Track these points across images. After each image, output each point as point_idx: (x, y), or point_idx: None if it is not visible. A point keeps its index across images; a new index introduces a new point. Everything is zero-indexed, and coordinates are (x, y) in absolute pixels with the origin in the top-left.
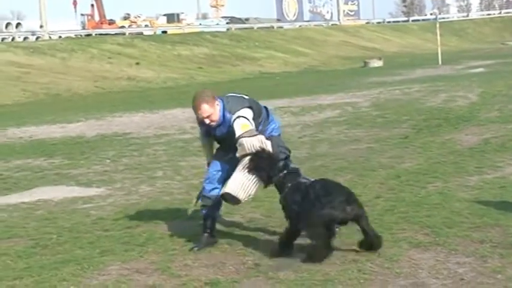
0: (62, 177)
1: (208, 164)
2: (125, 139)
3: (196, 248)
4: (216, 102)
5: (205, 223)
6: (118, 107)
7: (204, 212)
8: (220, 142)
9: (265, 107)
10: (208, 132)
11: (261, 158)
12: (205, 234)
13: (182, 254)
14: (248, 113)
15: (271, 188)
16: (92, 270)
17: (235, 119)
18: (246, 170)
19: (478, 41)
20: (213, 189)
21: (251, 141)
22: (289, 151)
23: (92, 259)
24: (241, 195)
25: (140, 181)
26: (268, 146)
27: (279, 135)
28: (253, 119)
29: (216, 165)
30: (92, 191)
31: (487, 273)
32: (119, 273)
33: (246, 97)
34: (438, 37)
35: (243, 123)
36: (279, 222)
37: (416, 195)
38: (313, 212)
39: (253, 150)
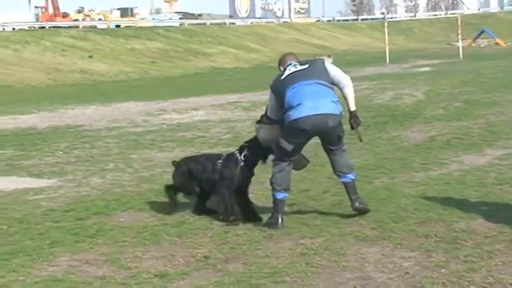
0: (14, 168)
1: None
2: (77, 131)
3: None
4: (281, 68)
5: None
6: (70, 100)
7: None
8: None
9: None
10: None
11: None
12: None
13: (132, 246)
14: (269, 94)
15: None
16: (41, 262)
17: None
18: None
19: (425, 40)
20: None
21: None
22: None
23: (41, 250)
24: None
25: (91, 173)
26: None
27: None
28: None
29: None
30: (43, 182)
31: (431, 267)
32: (68, 264)
33: (286, 73)
34: (386, 36)
35: None
36: None
37: (363, 190)
38: None
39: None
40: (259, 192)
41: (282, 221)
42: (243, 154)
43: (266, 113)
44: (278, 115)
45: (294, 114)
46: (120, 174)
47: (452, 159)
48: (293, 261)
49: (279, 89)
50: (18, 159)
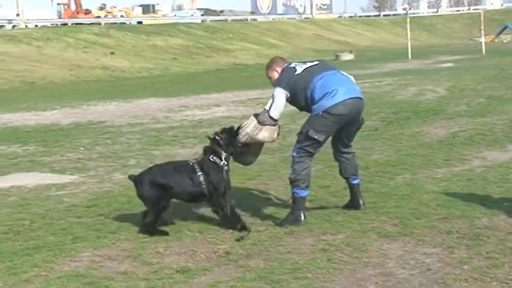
0: (36, 164)
1: None
2: (99, 127)
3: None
4: (277, 70)
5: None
6: (93, 96)
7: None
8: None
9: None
10: None
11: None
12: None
13: (154, 242)
14: (276, 92)
15: (245, 179)
16: (63, 257)
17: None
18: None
19: (447, 36)
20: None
21: (250, 123)
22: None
23: (64, 246)
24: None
25: (113, 169)
26: (256, 135)
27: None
28: (290, 94)
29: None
30: (66, 178)
31: (453, 263)
32: (90, 259)
33: (299, 69)
34: (408, 32)
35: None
36: (251, 212)
37: (385, 186)
38: None
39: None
40: (281, 189)
41: (305, 217)
42: (223, 157)
43: (269, 112)
44: (280, 115)
45: (331, 101)
46: (141, 170)
47: (475, 155)
48: (314, 258)
49: (297, 84)
50: (41, 155)
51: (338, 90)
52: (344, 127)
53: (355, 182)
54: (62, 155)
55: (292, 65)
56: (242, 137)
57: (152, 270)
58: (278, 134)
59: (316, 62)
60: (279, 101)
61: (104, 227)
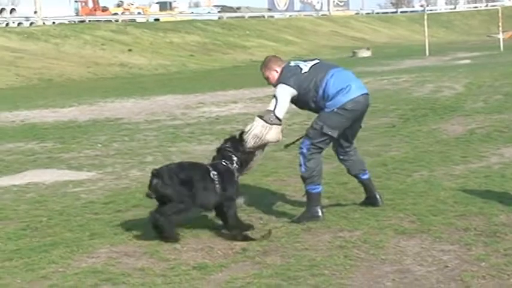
0: (53, 161)
1: None
2: (116, 124)
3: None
4: (276, 69)
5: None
6: (110, 93)
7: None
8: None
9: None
10: None
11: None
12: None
13: None
14: (281, 91)
15: (262, 175)
16: (81, 253)
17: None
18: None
19: (465, 33)
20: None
21: (257, 124)
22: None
23: (81, 242)
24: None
25: (131, 166)
26: (265, 135)
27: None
28: (298, 92)
29: None
30: (83, 175)
31: (471, 260)
32: (107, 256)
33: (304, 68)
34: (426, 28)
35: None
36: (266, 209)
37: (402, 183)
38: None
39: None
40: (298, 186)
41: (322, 212)
42: (235, 162)
43: (274, 112)
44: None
45: (346, 97)
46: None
47: (493, 152)
48: (331, 254)
49: (306, 83)
50: (58, 152)
51: (352, 86)
52: (353, 123)
53: (365, 177)
54: (79, 151)
55: (293, 63)
56: (251, 140)
57: (169, 266)
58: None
59: (317, 61)
60: (284, 100)
61: (121, 223)
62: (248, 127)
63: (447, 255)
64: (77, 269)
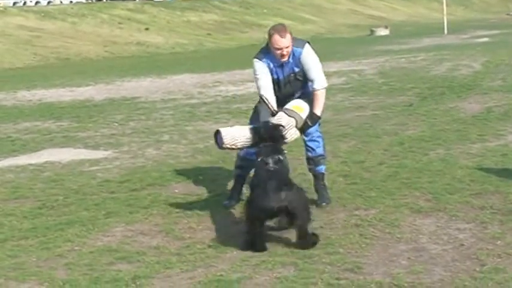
0: (70, 140)
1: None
2: (132, 103)
3: (227, 204)
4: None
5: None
6: (127, 72)
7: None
8: (280, 89)
9: None
10: (270, 74)
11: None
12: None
13: (186, 217)
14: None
15: None
16: (96, 232)
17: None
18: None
19: (484, 11)
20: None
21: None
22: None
23: (97, 221)
24: (227, 140)
25: (147, 145)
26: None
27: None
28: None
29: None
30: (99, 154)
31: (486, 239)
32: (123, 234)
33: None
34: (444, 7)
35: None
36: None
37: (418, 161)
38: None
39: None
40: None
41: None
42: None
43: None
44: None
45: None
46: (175, 145)
47: (510, 130)
48: (347, 233)
49: None
50: (75, 131)
51: None
52: None
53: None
54: (95, 130)
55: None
56: (293, 134)
57: (184, 245)
58: None
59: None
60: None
61: (137, 202)
62: (285, 125)
63: (463, 233)
64: (92, 247)
